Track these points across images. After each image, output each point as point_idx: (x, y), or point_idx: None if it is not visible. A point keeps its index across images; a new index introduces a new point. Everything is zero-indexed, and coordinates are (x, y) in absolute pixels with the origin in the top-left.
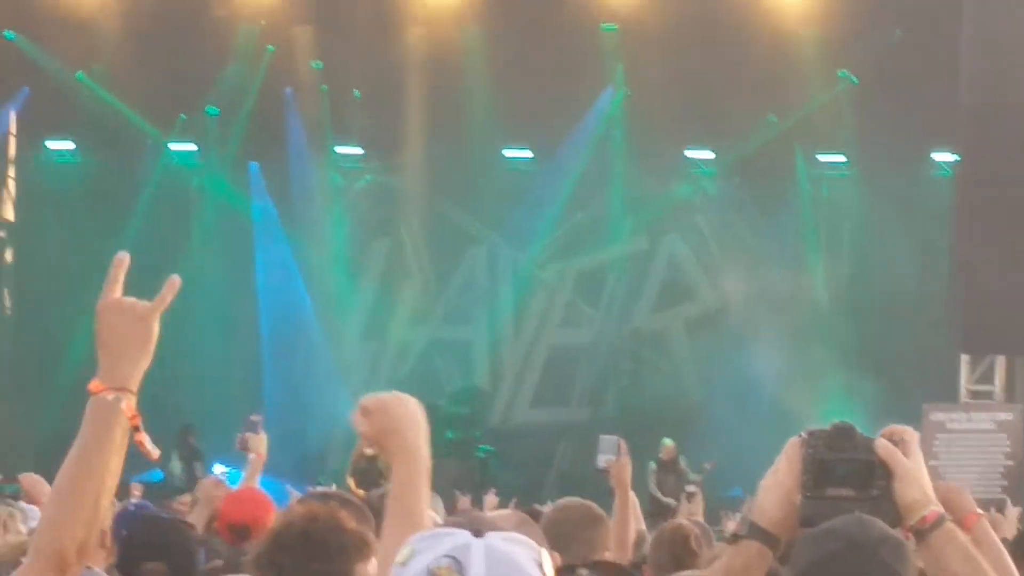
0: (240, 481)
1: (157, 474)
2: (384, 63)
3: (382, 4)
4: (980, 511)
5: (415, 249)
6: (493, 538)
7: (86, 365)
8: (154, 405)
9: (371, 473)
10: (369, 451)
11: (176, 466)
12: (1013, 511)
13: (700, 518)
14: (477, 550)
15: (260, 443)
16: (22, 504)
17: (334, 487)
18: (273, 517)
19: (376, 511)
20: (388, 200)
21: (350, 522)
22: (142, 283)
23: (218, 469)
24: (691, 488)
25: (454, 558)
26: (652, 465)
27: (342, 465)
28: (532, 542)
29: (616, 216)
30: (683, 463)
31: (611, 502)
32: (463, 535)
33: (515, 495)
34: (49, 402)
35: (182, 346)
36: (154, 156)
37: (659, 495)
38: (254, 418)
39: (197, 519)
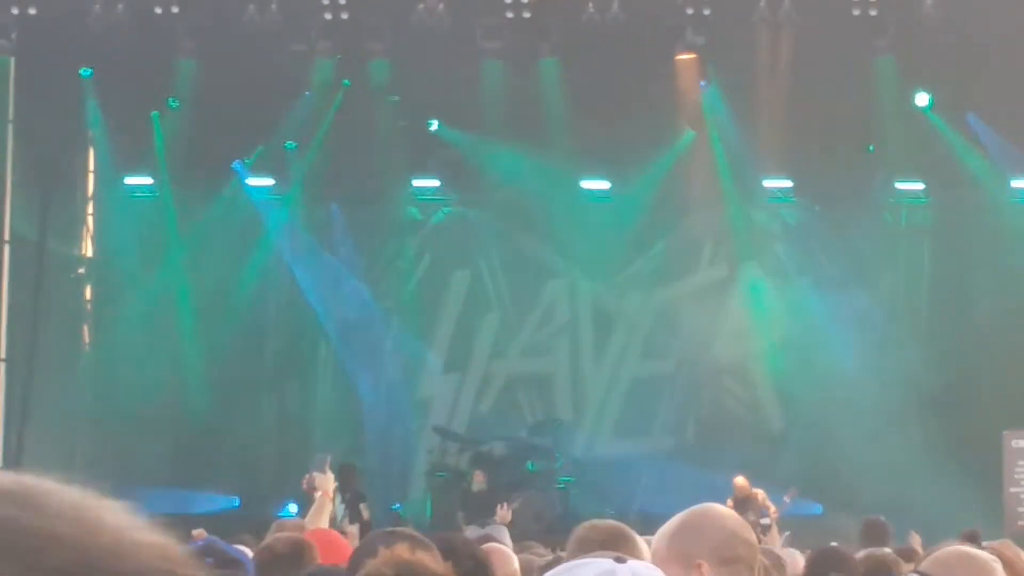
0: (310, 520)
1: (285, 511)
2: (460, 95)
3: (458, 37)
4: None
5: (494, 282)
6: (635, 565)
7: (165, 396)
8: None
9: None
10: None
11: (339, 509)
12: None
13: (776, 548)
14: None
15: (326, 482)
16: None
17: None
18: (346, 559)
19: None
20: (466, 233)
21: (437, 565)
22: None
23: (292, 509)
24: (765, 521)
25: None
26: (728, 503)
27: (424, 496)
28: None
29: (695, 245)
30: (761, 497)
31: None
32: (606, 563)
33: None
34: (130, 436)
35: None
36: (232, 191)
37: None
38: (321, 458)
39: None
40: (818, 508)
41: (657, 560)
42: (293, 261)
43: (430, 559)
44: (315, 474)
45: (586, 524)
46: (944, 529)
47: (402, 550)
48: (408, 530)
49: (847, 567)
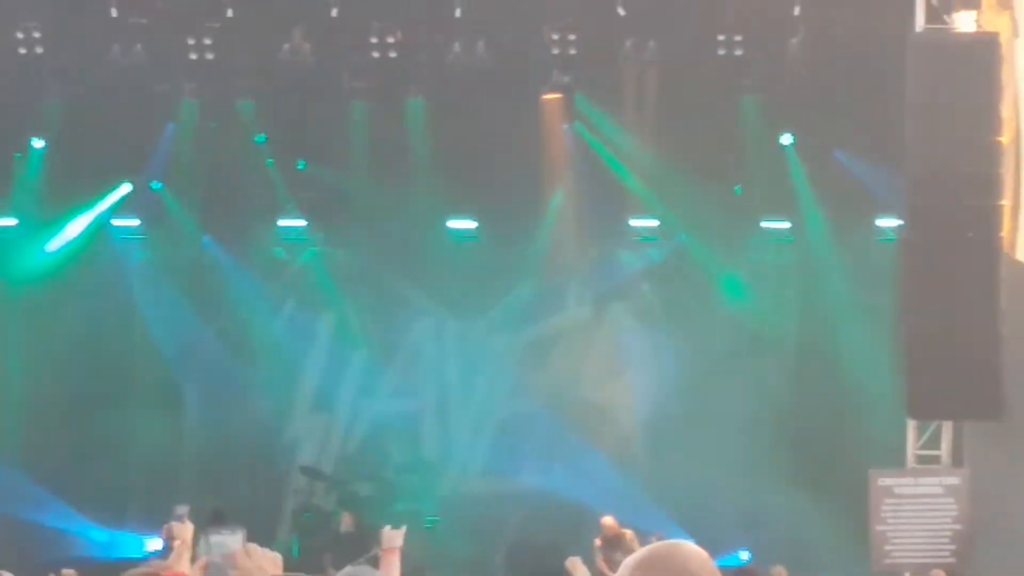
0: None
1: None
2: (327, 135)
3: (324, 77)
4: None
5: (361, 321)
6: None
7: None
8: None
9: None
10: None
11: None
12: None
13: None
14: None
15: (184, 531)
16: None
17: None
18: None
19: None
20: (333, 273)
21: None
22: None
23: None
24: None
25: None
26: (596, 542)
27: (290, 537)
28: None
29: (561, 285)
30: (630, 537)
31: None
32: None
33: (466, 565)
34: None
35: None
36: (97, 231)
37: (606, 571)
38: (180, 511)
39: None
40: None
41: None
42: (153, 302)
43: None
44: (173, 524)
45: None
46: (813, 568)
47: None
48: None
49: None
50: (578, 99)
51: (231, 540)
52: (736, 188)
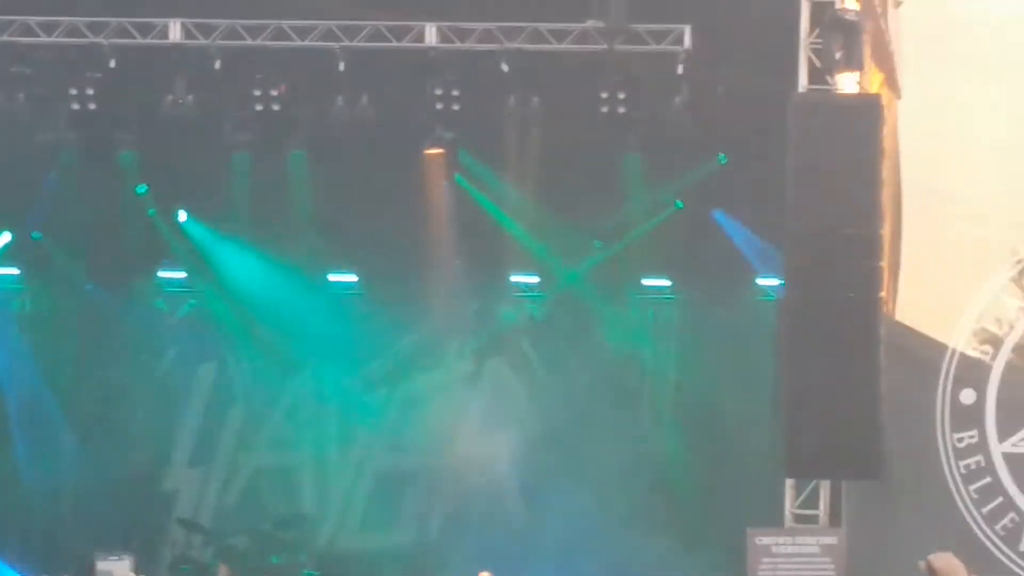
0: None
1: None
2: (208, 187)
3: (207, 128)
4: None
5: (240, 374)
6: None
7: None
8: None
9: None
10: None
11: None
12: None
13: None
14: None
15: None
16: None
17: None
18: None
19: None
20: (212, 325)
21: None
22: None
23: None
24: None
25: None
26: None
27: None
28: None
29: (441, 340)
30: None
31: None
32: None
33: None
34: None
35: None
36: None
37: None
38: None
39: None
40: None
41: None
42: (33, 351)
43: None
44: None
45: None
46: None
47: None
48: None
49: None
50: (461, 154)
51: (119, 567)
52: (596, 242)
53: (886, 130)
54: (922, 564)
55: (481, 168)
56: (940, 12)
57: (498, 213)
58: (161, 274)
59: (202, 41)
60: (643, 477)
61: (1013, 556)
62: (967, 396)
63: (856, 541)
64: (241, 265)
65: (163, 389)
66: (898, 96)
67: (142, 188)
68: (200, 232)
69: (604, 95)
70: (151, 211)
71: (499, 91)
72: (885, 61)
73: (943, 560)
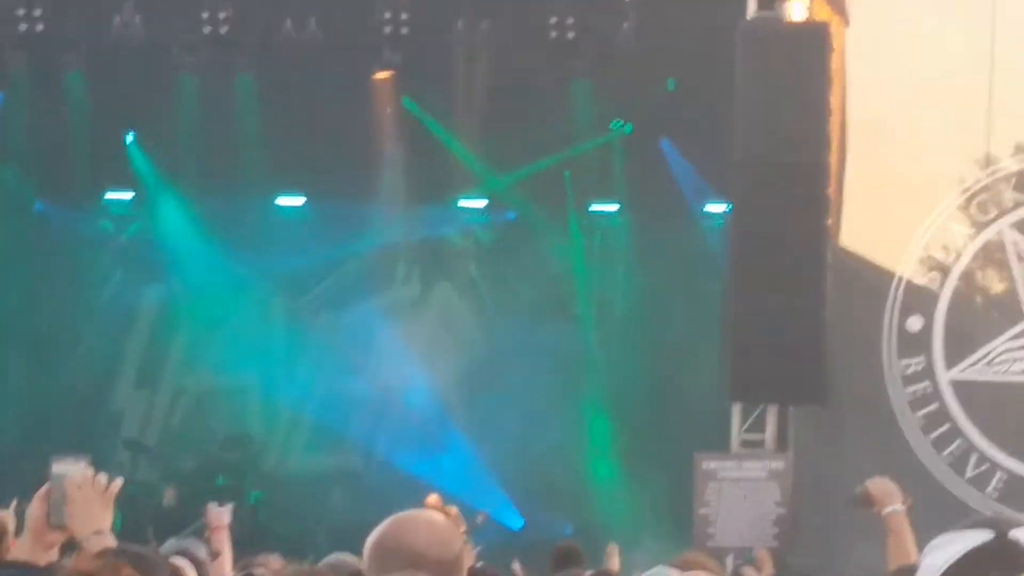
0: None
1: None
2: (156, 109)
3: (155, 51)
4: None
5: (187, 296)
6: None
7: None
8: None
9: None
10: None
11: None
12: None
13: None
14: None
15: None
16: None
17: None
18: None
19: None
20: (158, 247)
21: None
22: None
23: None
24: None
25: None
26: None
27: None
28: None
29: (388, 263)
30: (454, 514)
31: None
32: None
33: (286, 544)
34: None
35: None
36: None
37: None
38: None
39: None
40: (520, 521)
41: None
42: None
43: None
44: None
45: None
46: (639, 551)
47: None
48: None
49: None
50: (409, 78)
51: (74, 469)
52: (565, 173)
53: (834, 57)
54: (859, 489)
55: (429, 92)
56: None
57: (446, 137)
58: (108, 195)
59: None
60: (589, 401)
61: (959, 482)
62: (914, 323)
63: (803, 466)
64: (188, 186)
65: (109, 310)
66: (846, 23)
67: (87, 109)
68: (148, 154)
69: (553, 20)
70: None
71: (448, 15)
72: None
73: (878, 485)
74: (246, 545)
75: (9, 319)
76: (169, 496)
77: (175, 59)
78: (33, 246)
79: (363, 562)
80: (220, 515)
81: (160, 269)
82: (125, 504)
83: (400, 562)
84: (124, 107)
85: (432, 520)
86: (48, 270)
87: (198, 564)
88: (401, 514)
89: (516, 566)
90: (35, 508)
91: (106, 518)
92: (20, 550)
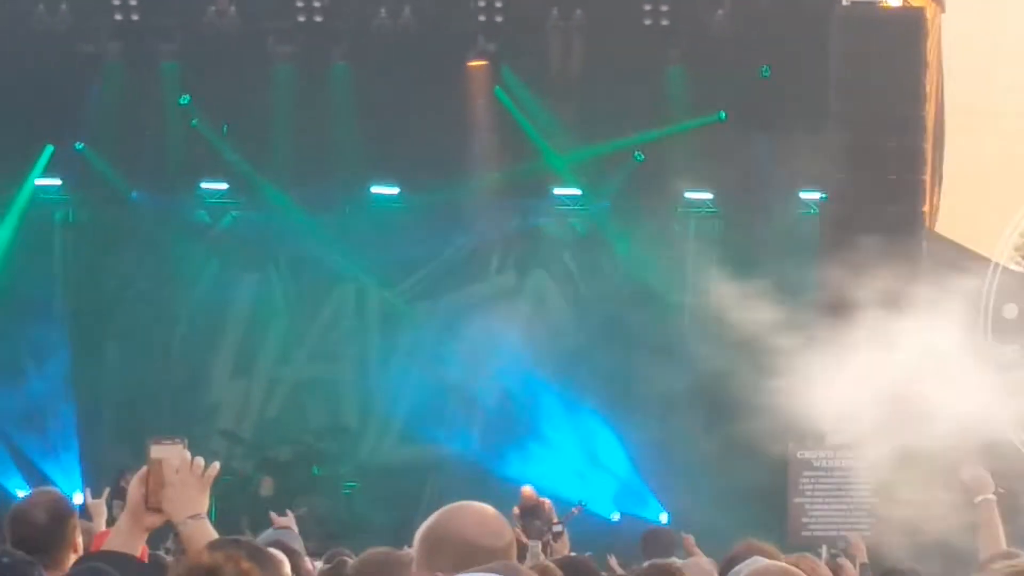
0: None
1: None
2: (251, 98)
3: (249, 40)
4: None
5: (282, 286)
6: None
7: None
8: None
9: None
10: None
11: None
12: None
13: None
14: None
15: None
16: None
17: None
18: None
19: None
20: (254, 237)
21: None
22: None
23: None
24: (557, 528)
25: None
26: (515, 511)
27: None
28: None
29: (483, 253)
30: (548, 506)
31: None
32: None
33: (381, 534)
34: None
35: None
36: (18, 191)
37: (524, 540)
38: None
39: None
40: (615, 512)
41: (416, 565)
42: (76, 262)
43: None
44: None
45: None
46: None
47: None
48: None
49: None
50: (503, 67)
51: (172, 452)
52: (636, 155)
53: (929, 43)
54: (963, 474)
55: (522, 80)
56: None
57: (530, 130)
58: (204, 185)
59: None
60: (684, 390)
61: None
62: (1010, 311)
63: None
64: (283, 176)
65: (205, 301)
66: (942, 9)
67: (185, 99)
68: (243, 143)
69: (647, 7)
70: (194, 122)
71: (542, 2)
72: None
73: (972, 473)
74: (341, 535)
75: (106, 308)
76: (266, 486)
77: (269, 48)
78: (129, 235)
79: (413, 553)
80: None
81: (256, 259)
82: (220, 495)
83: (451, 552)
84: (219, 96)
85: (483, 510)
86: (144, 259)
87: (293, 556)
88: (452, 505)
89: (612, 560)
90: (133, 491)
91: (203, 502)
92: (117, 535)
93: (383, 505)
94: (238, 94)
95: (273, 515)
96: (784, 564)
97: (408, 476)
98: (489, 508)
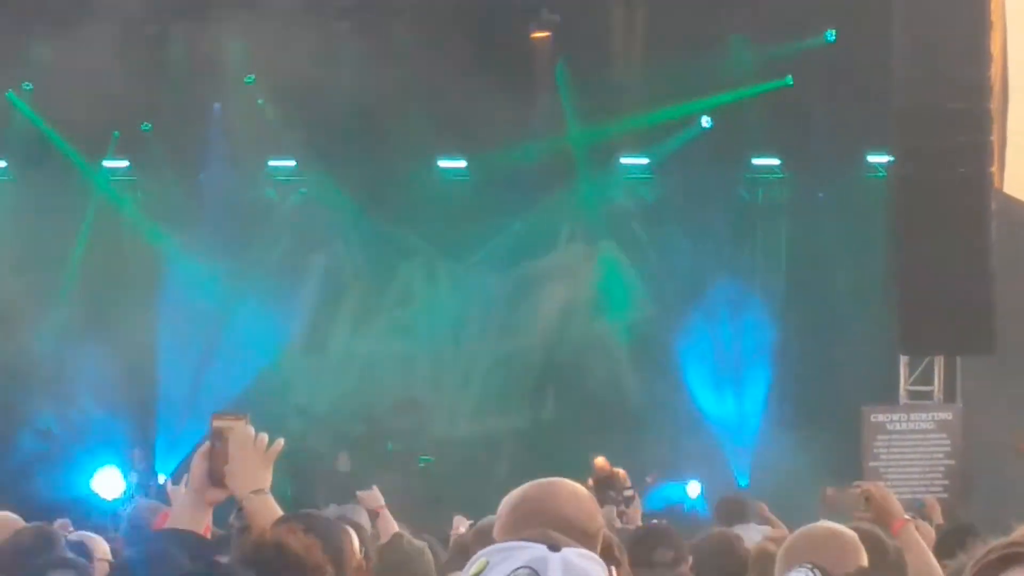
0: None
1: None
2: (316, 74)
3: (312, 15)
4: (907, 517)
5: (352, 262)
6: (569, 553)
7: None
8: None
9: None
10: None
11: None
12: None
13: (638, 522)
14: (554, 563)
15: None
16: None
17: None
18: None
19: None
20: (323, 213)
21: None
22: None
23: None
24: (628, 492)
25: (532, 569)
26: (588, 483)
27: (283, 478)
28: (600, 560)
29: (553, 224)
30: (622, 475)
31: None
32: (540, 548)
33: (459, 504)
34: None
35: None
36: (88, 174)
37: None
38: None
39: None
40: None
41: (500, 532)
42: (143, 242)
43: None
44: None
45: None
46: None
47: (291, 532)
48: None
49: (673, 542)
50: (567, 37)
51: (235, 427)
52: (701, 120)
53: (994, 4)
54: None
55: (587, 51)
56: None
57: (594, 100)
58: (272, 163)
59: None
60: (756, 354)
61: None
62: None
63: (971, 416)
64: (350, 152)
65: (275, 277)
66: None
67: (250, 79)
68: (310, 120)
69: None
70: (259, 101)
71: None
72: None
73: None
74: (417, 509)
75: (177, 285)
76: (342, 461)
77: (333, 24)
78: (195, 215)
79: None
80: (372, 499)
81: (325, 236)
82: (296, 471)
83: (545, 524)
84: (284, 74)
85: (578, 490)
86: (213, 238)
87: (359, 530)
88: (546, 480)
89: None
90: (196, 465)
91: (265, 478)
92: (181, 511)
93: (458, 479)
94: (304, 70)
95: (360, 493)
96: (831, 524)
97: (482, 449)
98: (583, 489)
